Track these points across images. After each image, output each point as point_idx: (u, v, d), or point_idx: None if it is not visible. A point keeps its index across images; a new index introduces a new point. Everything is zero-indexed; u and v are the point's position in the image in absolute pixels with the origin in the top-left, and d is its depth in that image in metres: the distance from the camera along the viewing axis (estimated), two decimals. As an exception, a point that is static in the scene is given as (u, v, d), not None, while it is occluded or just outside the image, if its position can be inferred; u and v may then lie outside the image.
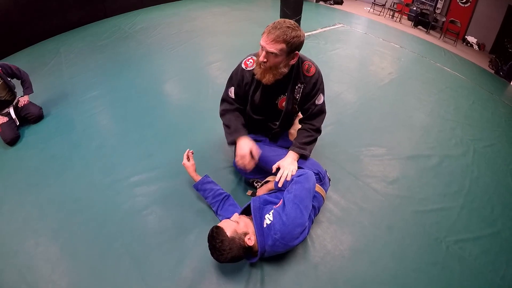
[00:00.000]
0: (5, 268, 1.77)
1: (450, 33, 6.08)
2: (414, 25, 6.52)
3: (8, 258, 1.82)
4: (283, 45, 1.55)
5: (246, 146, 1.81)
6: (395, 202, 2.14)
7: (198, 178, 1.99)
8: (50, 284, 1.68)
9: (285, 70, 1.69)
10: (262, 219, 1.60)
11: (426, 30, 6.35)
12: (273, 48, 1.56)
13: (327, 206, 2.06)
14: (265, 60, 1.62)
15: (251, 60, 1.81)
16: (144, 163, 2.40)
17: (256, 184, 2.09)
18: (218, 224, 1.56)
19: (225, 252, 1.46)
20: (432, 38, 5.96)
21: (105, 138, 2.72)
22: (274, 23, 1.58)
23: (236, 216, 1.64)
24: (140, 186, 2.21)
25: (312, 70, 1.79)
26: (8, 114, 2.94)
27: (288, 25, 1.56)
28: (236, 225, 1.55)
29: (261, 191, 1.95)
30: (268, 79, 1.69)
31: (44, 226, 2.01)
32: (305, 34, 4.69)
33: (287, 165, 1.77)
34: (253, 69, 1.78)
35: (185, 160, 2.00)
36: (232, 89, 1.91)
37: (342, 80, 3.68)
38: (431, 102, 3.45)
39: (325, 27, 5.21)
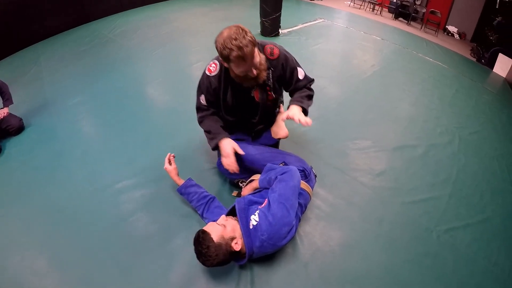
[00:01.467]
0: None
1: (431, 24, 6.09)
2: (394, 17, 6.52)
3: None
4: (255, 50, 1.50)
5: (228, 146, 1.77)
6: (384, 194, 2.09)
7: (181, 182, 1.91)
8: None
9: (263, 58, 1.65)
10: (248, 220, 1.54)
11: (407, 21, 6.36)
12: (256, 61, 1.53)
13: (314, 203, 2.00)
14: (256, 72, 1.58)
15: (213, 65, 1.74)
16: (128, 169, 2.32)
17: (241, 184, 2.02)
18: (204, 228, 1.49)
19: (211, 258, 1.41)
20: (413, 30, 5.96)
21: (88, 146, 2.63)
22: (234, 47, 1.45)
23: (222, 218, 1.57)
24: (124, 193, 2.13)
25: (276, 52, 1.71)
26: None
27: (242, 39, 1.45)
28: (222, 229, 1.48)
29: (246, 190, 1.87)
30: (262, 76, 1.66)
31: (30, 240, 1.94)
32: (286, 31, 4.65)
33: (298, 113, 1.65)
34: (217, 73, 1.73)
35: (166, 165, 1.91)
36: (202, 97, 1.84)
37: (325, 75, 3.63)
38: (415, 93, 3.43)
39: (306, 22, 5.16)
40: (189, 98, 3.03)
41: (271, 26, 4.50)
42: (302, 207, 1.70)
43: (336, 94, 3.29)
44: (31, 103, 3.24)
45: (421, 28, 6.12)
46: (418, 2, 6.53)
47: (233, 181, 2.09)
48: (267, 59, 1.70)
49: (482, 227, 1.96)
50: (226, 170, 1.84)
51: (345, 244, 1.79)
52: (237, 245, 1.47)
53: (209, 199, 1.89)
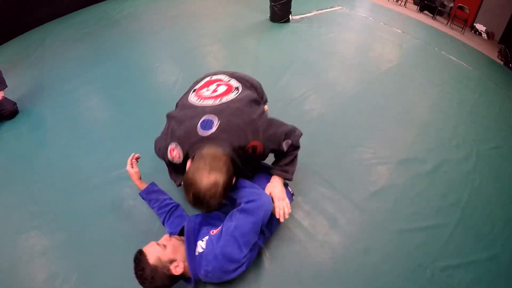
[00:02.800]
0: None
1: (458, 20, 5.52)
2: (419, 9, 5.92)
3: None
4: (217, 201, 1.26)
5: None
6: (377, 218, 1.76)
7: (143, 186, 1.73)
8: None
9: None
10: (195, 244, 1.34)
11: (432, 15, 5.76)
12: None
13: (291, 220, 1.70)
14: None
15: (175, 153, 1.44)
16: (106, 164, 2.24)
17: None
18: (143, 248, 1.33)
19: (147, 281, 1.27)
20: (438, 24, 5.39)
21: (72, 136, 2.59)
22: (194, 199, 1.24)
23: (165, 238, 1.40)
24: (99, 188, 2.08)
25: (259, 150, 1.43)
26: None
27: (209, 199, 1.23)
28: (161, 251, 1.31)
29: None
30: None
31: (6, 228, 1.99)
32: (298, 17, 4.25)
33: (280, 194, 1.49)
34: (180, 162, 1.45)
35: (128, 167, 1.70)
36: (171, 152, 1.51)
37: (333, 68, 3.24)
38: (433, 95, 2.99)
39: (322, 9, 4.68)
40: (183, 88, 2.81)
41: (281, 11, 4.09)
42: (265, 233, 1.47)
43: (343, 90, 2.90)
44: (28, 87, 3.28)
45: (447, 23, 5.54)
46: (446, -5, 5.90)
47: None
48: (251, 155, 1.44)
49: (487, 266, 1.62)
50: None
51: (319, 275, 1.51)
52: (177, 269, 1.30)
53: (172, 207, 1.70)
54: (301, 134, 1.60)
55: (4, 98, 2.96)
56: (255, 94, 1.59)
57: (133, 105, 2.77)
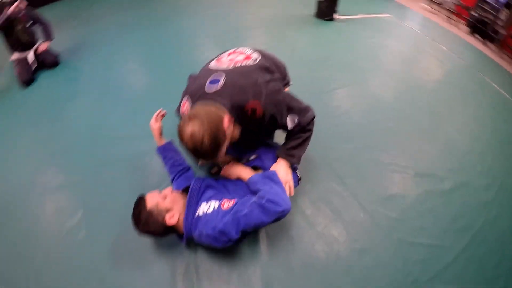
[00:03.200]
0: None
1: (509, 50, 5.10)
2: (471, 32, 5.55)
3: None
4: (218, 152, 1.25)
5: None
6: (381, 223, 1.66)
7: (162, 142, 1.73)
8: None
9: (236, 134, 1.40)
10: (197, 204, 1.33)
11: (482, 39, 5.38)
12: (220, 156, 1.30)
13: (294, 205, 1.63)
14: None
15: (186, 107, 1.47)
16: (130, 121, 2.36)
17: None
18: (144, 195, 1.38)
19: (140, 224, 1.31)
20: (487, 50, 5.01)
21: (104, 92, 2.71)
22: (193, 156, 1.26)
23: (167, 190, 1.42)
24: (120, 141, 2.18)
25: (259, 113, 1.36)
26: (27, 57, 2.95)
27: (200, 147, 1.20)
28: (160, 200, 1.33)
29: (228, 172, 1.61)
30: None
31: (28, 162, 2.14)
32: (343, 17, 4.10)
33: (284, 176, 1.42)
34: None
35: (152, 121, 1.70)
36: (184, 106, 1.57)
37: (368, 71, 3.09)
38: (466, 117, 2.78)
39: (369, 14, 4.48)
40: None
41: (327, 8, 3.95)
42: None
43: (374, 94, 2.76)
44: (72, 44, 3.50)
45: (497, 51, 5.15)
46: (499, 22, 5.47)
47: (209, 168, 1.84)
48: (250, 120, 1.37)
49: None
50: None
51: (308, 265, 1.45)
52: (171, 219, 1.32)
53: (183, 168, 1.70)
54: (313, 117, 1.49)
55: (49, 49, 3.13)
56: (273, 67, 1.52)
57: (166, 73, 2.82)
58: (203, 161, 1.40)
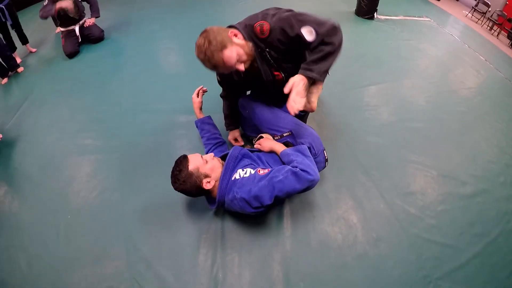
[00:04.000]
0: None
1: (550, 67, 4.70)
2: (511, 44, 5.19)
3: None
4: (223, 54, 1.28)
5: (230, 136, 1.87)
6: (399, 216, 1.63)
7: (201, 116, 1.77)
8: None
9: (248, 48, 1.37)
10: (234, 170, 1.35)
11: (523, 54, 5.01)
12: (231, 63, 1.31)
13: (319, 187, 1.63)
14: (242, 67, 1.37)
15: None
16: (170, 95, 2.38)
17: (257, 139, 1.74)
18: (188, 155, 1.40)
19: (178, 182, 1.33)
20: (527, 65, 4.68)
21: (146, 68, 2.74)
22: (201, 59, 1.34)
23: (210, 155, 1.43)
24: (158, 113, 2.21)
25: (266, 28, 1.35)
26: (73, 31, 3.02)
27: (206, 50, 1.28)
28: (202, 163, 1.34)
29: (262, 145, 1.62)
30: (254, 66, 1.46)
31: (69, 126, 2.24)
32: (383, 17, 3.92)
33: (298, 80, 1.31)
34: None
35: (194, 95, 1.75)
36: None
37: (402, 72, 2.95)
38: (495, 129, 2.62)
39: (409, 16, 4.25)
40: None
41: (367, 7, 3.78)
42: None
43: (405, 94, 2.65)
44: (116, 21, 3.52)
45: (538, 67, 4.77)
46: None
47: (249, 137, 1.87)
48: (260, 39, 1.39)
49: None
50: (244, 124, 1.81)
51: (324, 244, 1.46)
52: (208, 184, 1.34)
53: (219, 142, 1.73)
54: (334, 26, 1.31)
55: (94, 25, 3.19)
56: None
57: None
58: (221, 71, 1.39)
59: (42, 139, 2.20)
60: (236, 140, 1.88)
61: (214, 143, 1.72)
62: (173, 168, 1.37)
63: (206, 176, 1.34)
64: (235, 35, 1.35)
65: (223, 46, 1.26)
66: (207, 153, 1.72)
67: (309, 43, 1.31)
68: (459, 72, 3.32)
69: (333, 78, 1.90)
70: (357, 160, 1.86)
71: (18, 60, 3.17)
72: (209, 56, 1.27)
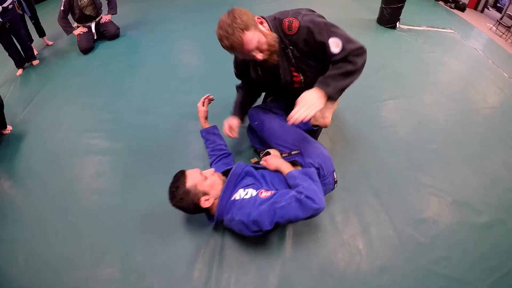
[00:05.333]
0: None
1: None
2: (539, 62, 4.93)
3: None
4: (245, 37, 1.21)
5: (226, 121, 1.67)
6: (408, 246, 1.53)
7: (206, 125, 1.72)
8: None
9: (271, 38, 1.30)
10: (235, 189, 1.28)
11: (550, 72, 4.75)
12: (250, 47, 1.24)
13: (326, 209, 1.53)
14: (261, 56, 1.30)
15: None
16: (180, 99, 2.34)
17: (264, 154, 1.68)
18: (187, 170, 1.34)
19: (176, 199, 1.28)
20: (553, 85, 4.44)
21: (159, 68, 2.70)
22: (219, 36, 1.25)
23: (210, 171, 1.38)
24: (167, 117, 2.18)
25: (295, 25, 1.30)
26: (89, 27, 3.03)
27: (227, 27, 1.21)
28: (200, 180, 1.27)
29: (268, 163, 1.54)
30: (273, 59, 1.35)
31: (77, 124, 2.24)
32: (405, 27, 3.78)
33: (308, 100, 1.24)
34: None
35: (199, 103, 1.69)
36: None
37: (422, 87, 2.83)
38: (516, 153, 2.50)
39: (433, 27, 4.09)
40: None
41: (389, 15, 3.65)
42: None
43: (424, 111, 2.51)
44: (133, 18, 3.50)
45: None
46: None
47: (256, 150, 1.80)
48: (286, 35, 1.33)
49: None
50: (252, 136, 1.70)
51: (325, 271, 1.39)
52: (206, 202, 1.29)
53: (224, 153, 1.67)
54: (361, 47, 1.29)
55: (111, 22, 3.17)
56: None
57: (221, 58, 2.73)
58: (237, 53, 1.31)
59: (50, 135, 2.21)
60: (230, 128, 1.66)
61: (219, 155, 1.66)
62: (170, 184, 1.31)
63: (205, 193, 1.28)
64: (261, 23, 1.30)
65: (247, 27, 1.20)
66: (211, 164, 1.68)
67: (332, 55, 1.28)
68: (481, 89, 3.16)
69: (350, 89, 1.77)
70: (369, 180, 1.77)
71: (35, 53, 3.20)
72: (229, 33, 1.19)
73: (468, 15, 5.62)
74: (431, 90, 2.82)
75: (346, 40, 1.27)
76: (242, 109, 1.72)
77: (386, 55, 3.18)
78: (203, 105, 1.69)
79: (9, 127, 2.34)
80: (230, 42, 1.21)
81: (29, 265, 1.49)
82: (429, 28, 4.03)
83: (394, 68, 2.97)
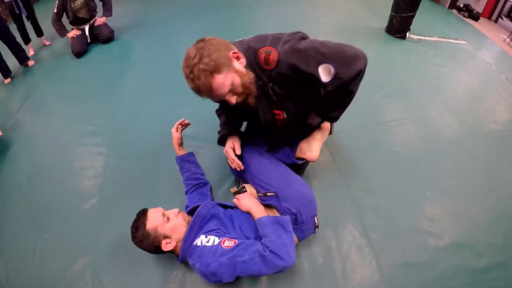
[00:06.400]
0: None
1: None
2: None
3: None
4: (213, 80, 1.00)
5: (229, 143, 1.41)
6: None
7: (181, 152, 1.59)
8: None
9: (247, 79, 1.08)
10: (199, 231, 1.19)
11: None
12: (221, 92, 1.04)
13: (304, 250, 1.46)
14: (235, 100, 1.11)
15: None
16: (167, 113, 2.25)
17: (241, 188, 1.56)
18: (149, 210, 1.28)
19: (136, 240, 1.22)
20: None
21: (149, 77, 2.62)
22: (185, 76, 1.05)
23: (174, 212, 1.28)
24: (151, 133, 2.11)
25: (273, 58, 1.06)
26: (83, 30, 2.94)
27: (192, 67, 1.00)
28: (161, 223, 1.19)
29: (249, 190, 1.47)
30: (250, 100, 1.17)
31: (60, 136, 2.18)
32: (416, 37, 3.57)
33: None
34: None
35: (173, 129, 1.54)
36: None
37: (430, 104, 2.64)
38: (528, 184, 2.30)
39: (445, 37, 3.87)
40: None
41: (399, 24, 3.44)
42: None
43: (432, 133, 2.33)
44: (129, 21, 3.41)
45: None
46: None
47: (237, 180, 1.69)
48: (263, 69, 1.08)
49: None
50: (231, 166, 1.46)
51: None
52: (168, 245, 1.21)
53: (199, 183, 1.57)
54: (360, 71, 1.09)
55: (105, 24, 3.07)
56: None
57: None
58: (205, 97, 1.11)
59: (35, 145, 2.19)
60: (233, 150, 1.42)
61: (194, 184, 1.57)
62: (133, 222, 1.25)
63: (166, 237, 1.20)
64: (238, 58, 1.06)
65: (217, 69, 0.99)
66: (186, 193, 1.59)
67: (324, 84, 1.07)
68: (492, 109, 2.95)
69: (350, 109, 1.63)
70: (359, 217, 1.63)
71: (32, 52, 3.16)
72: (194, 75, 0.99)
73: (482, 25, 5.30)
74: (440, 110, 2.63)
75: (339, 63, 1.03)
76: (234, 125, 1.51)
77: (393, 69, 3.00)
78: (177, 131, 1.55)
79: (-1, 133, 2.30)
80: (196, 86, 1.01)
81: (9, 282, 1.50)
82: (441, 39, 3.81)
83: (401, 84, 2.79)
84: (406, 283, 1.43)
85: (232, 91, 1.07)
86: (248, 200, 1.32)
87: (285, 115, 1.24)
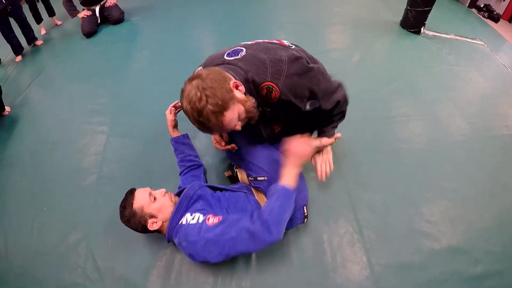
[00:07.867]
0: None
1: None
2: None
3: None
4: (223, 119, 0.98)
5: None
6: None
7: (176, 134, 1.57)
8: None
9: (250, 105, 1.07)
10: (184, 212, 1.17)
11: None
12: (229, 126, 1.03)
13: (296, 243, 1.42)
14: (240, 126, 1.10)
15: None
16: (171, 95, 2.16)
17: (236, 170, 1.56)
18: (137, 190, 1.28)
19: (124, 218, 1.23)
20: None
21: (157, 58, 2.59)
22: (191, 118, 1.00)
23: (161, 192, 1.28)
24: (156, 116, 2.05)
25: (275, 95, 1.10)
26: (94, 11, 2.93)
27: (201, 109, 0.95)
28: (147, 203, 1.22)
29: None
30: (253, 119, 1.16)
31: (65, 114, 2.19)
32: (431, 33, 3.42)
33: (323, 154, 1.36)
34: None
35: (167, 111, 1.52)
36: None
37: (439, 104, 2.52)
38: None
39: (461, 36, 3.69)
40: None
41: (414, 19, 3.30)
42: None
43: (438, 133, 2.23)
44: (140, 4, 3.35)
45: None
46: None
47: (232, 164, 1.65)
48: (263, 99, 1.14)
49: None
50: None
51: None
52: (154, 225, 1.21)
53: (193, 165, 1.57)
54: (338, 101, 1.26)
55: (116, 5, 3.04)
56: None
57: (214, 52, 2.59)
58: (214, 134, 1.22)
59: (40, 122, 2.22)
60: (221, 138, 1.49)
61: (188, 166, 1.56)
62: (121, 201, 1.25)
63: (152, 216, 1.20)
64: (237, 87, 1.03)
65: (225, 107, 0.96)
66: (180, 174, 1.59)
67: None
68: (504, 113, 2.80)
69: (354, 103, 1.56)
70: (353, 212, 1.58)
71: (43, 32, 3.16)
72: (204, 118, 0.95)
73: (501, 27, 5.02)
74: (448, 110, 2.52)
75: (325, 97, 1.21)
76: None
77: (403, 64, 2.89)
78: (171, 113, 1.53)
79: (7, 109, 2.33)
80: (207, 128, 1.00)
81: (7, 252, 1.56)
82: (457, 37, 3.64)
83: (410, 81, 2.68)
84: (397, 284, 1.39)
85: (239, 118, 1.06)
86: (302, 146, 1.19)
87: (281, 126, 1.37)
